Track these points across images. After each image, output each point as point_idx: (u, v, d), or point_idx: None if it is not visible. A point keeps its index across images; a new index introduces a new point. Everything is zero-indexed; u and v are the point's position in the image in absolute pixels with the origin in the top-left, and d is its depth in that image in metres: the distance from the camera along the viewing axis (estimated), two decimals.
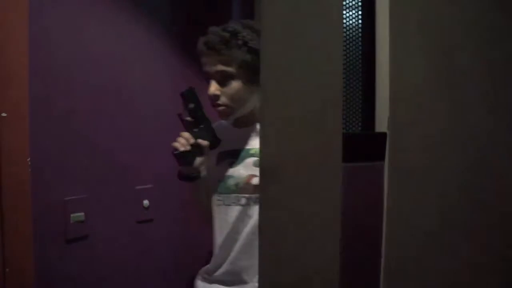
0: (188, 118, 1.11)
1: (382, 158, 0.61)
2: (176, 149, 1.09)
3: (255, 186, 1.14)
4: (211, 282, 1.20)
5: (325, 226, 0.57)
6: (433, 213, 0.66)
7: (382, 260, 0.64)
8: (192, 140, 1.09)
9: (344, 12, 0.80)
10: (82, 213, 1.22)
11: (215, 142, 1.14)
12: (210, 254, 1.22)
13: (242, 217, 1.15)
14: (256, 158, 1.15)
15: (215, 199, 1.19)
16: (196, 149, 1.09)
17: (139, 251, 1.39)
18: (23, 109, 1.08)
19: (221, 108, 1.12)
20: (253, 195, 1.14)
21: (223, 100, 1.11)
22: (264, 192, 0.54)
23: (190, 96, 1.10)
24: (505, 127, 0.72)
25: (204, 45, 1.10)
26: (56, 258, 1.17)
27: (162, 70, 1.46)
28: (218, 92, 1.10)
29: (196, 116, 1.11)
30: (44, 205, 1.14)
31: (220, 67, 1.09)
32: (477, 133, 0.71)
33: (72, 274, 1.21)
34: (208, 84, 1.12)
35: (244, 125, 1.19)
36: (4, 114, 1.03)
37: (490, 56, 0.74)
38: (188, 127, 1.11)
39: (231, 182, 1.16)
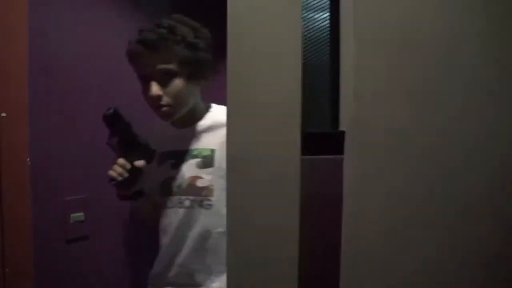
0: (115, 145, 1.02)
1: (341, 153, 0.67)
2: (113, 178, 1.00)
3: (201, 188, 1.10)
4: (162, 286, 1.16)
5: (285, 216, 0.63)
6: (391, 208, 0.71)
7: (342, 250, 0.67)
8: (128, 166, 1.00)
9: (315, 14, 0.86)
10: (82, 213, 1.22)
11: (151, 156, 1.06)
12: None
13: (187, 221, 1.10)
14: (199, 159, 1.10)
15: (157, 201, 1.14)
16: (134, 172, 1.01)
17: (139, 251, 1.39)
18: (23, 109, 1.08)
19: (164, 109, 1.06)
20: (198, 197, 1.10)
21: (166, 100, 1.05)
22: (230, 181, 0.60)
23: (116, 118, 0.99)
24: (470, 126, 0.77)
25: (140, 44, 1.02)
26: (56, 258, 1.17)
27: None
28: (160, 93, 1.04)
29: (127, 137, 1.02)
30: (44, 205, 1.14)
31: (161, 66, 1.03)
32: (442, 133, 0.76)
33: (72, 274, 1.21)
34: (143, 86, 1.06)
35: (184, 125, 1.14)
36: (4, 114, 1.03)
37: (456, 57, 0.78)
38: (120, 151, 1.02)
39: (172, 184, 1.12)
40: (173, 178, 1.12)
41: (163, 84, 1.04)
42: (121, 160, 1.01)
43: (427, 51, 0.77)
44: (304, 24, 0.79)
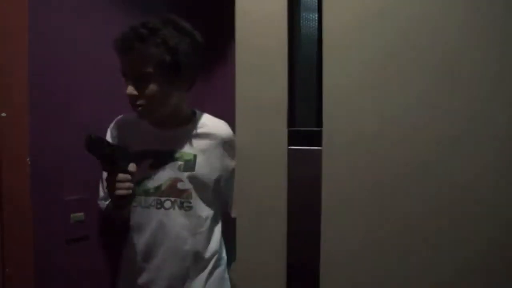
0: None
1: (320, 145, 0.91)
2: (124, 196, 0.99)
3: (181, 190, 1.10)
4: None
5: (275, 192, 0.86)
6: (360, 186, 0.96)
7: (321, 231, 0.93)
8: (129, 177, 1.00)
9: (306, 14, 0.97)
10: (82, 213, 1.22)
11: (131, 157, 1.05)
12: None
13: (166, 222, 1.09)
14: (181, 163, 1.10)
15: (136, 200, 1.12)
16: (132, 177, 1.02)
17: None
18: (23, 109, 1.08)
19: (139, 108, 1.05)
20: (179, 199, 1.09)
21: (140, 101, 1.03)
22: (238, 166, 0.81)
23: (97, 143, 0.98)
24: (441, 124, 0.96)
25: (119, 41, 1.01)
26: (56, 258, 1.17)
27: None
28: (135, 93, 1.02)
29: (115, 157, 1.00)
30: (44, 205, 1.14)
31: (136, 67, 1.01)
32: (415, 129, 0.97)
33: (72, 274, 1.21)
34: (124, 82, 1.05)
35: (165, 126, 1.13)
36: (4, 114, 1.04)
37: (430, 58, 0.98)
38: (113, 171, 1.00)
39: (150, 184, 1.10)
40: (150, 178, 1.10)
41: (139, 85, 1.02)
42: (121, 176, 0.98)
43: (403, 55, 0.98)
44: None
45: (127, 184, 0.98)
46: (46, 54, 1.14)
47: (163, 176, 1.10)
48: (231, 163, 1.15)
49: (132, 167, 1.00)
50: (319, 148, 0.99)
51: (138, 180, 1.09)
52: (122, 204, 1.02)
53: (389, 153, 1.01)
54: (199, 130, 1.14)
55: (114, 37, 1.32)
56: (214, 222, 1.18)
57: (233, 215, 1.18)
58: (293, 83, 1.00)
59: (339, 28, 0.95)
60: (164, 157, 1.11)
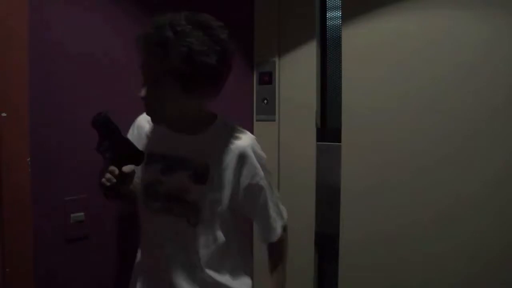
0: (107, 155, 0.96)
1: (339, 141, 1.41)
2: (101, 184, 0.94)
3: (189, 203, 1.00)
4: None
5: (306, 176, 1.45)
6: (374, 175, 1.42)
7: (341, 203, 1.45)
8: (116, 171, 0.92)
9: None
10: (82, 213, 1.22)
11: (140, 159, 0.99)
12: None
13: (174, 230, 1.02)
14: (191, 172, 1.00)
15: (140, 203, 1.07)
16: (123, 177, 0.94)
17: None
18: (23, 109, 1.08)
19: (150, 112, 0.99)
20: (185, 211, 1.00)
21: (152, 104, 0.96)
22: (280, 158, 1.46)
23: (105, 123, 0.95)
24: (449, 129, 1.28)
25: (141, 40, 0.92)
26: (56, 258, 1.17)
27: None
28: (144, 95, 0.95)
29: (116, 142, 0.96)
30: (44, 205, 1.14)
31: (152, 70, 0.93)
32: (427, 125, 1.32)
33: (72, 274, 1.21)
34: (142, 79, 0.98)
35: (181, 130, 1.03)
36: (4, 114, 1.03)
37: (443, 65, 1.28)
38: (110, 157, 0.96)
39: (160, 188, 1.02)
40: (160, 182, 1.02)
41: (152, 86, 0.94)
42: (111, 167, 0.93)
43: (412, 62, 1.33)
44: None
45: (108, 176, 0.92)
46: (46, 54, 1.14)
47: (173, 183, 1.01)
48: (246, 180, 1.01)
49: (127, 168, 0.93)
50: (339, 144, 1.47)
51: (149, 182, 1.04)
52: (106, 193, 0.95)
53: (400, 148, 1.36)
54: (217, 138, 1.02)
55: (114, 37, 1.32)
56: (225, 246, 1.04)
57: (267, 240, 1.11)
58: (323, 93, 1.59)
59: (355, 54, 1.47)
60: (176, 163, 1.02)
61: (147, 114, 1.00)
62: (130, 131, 1.13)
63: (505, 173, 1.17)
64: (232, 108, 1.57)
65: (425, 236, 1.30)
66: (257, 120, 1.74)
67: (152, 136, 1.08)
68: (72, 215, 1.20)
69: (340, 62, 1.48)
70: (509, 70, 1.16)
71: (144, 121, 1.10)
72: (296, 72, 1.63)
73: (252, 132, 1.86)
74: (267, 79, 1.69)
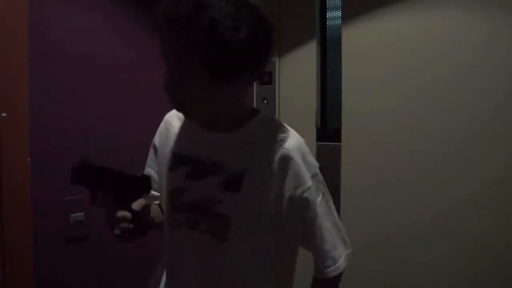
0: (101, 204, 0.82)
1: (339, 141, 1.49)
2: (119, 236, 0.78)
3: (218, 215, 0.80)
4: None
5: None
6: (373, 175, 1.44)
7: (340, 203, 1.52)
8: (129, 215, 0.77)
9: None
10: (82, 213, 1.22)
11: (146, 186, 0.82)
12: None
13: (197, 248, 0.83)
14: (223, 178, 0.81)
15: (165, 214, 0.90)
16: (138, 217, 0.79)
17: (140, 251, 1.39)
18: (23, 109, 1.08)
19: (172, 100, 0.80)
20: (213, 225, 0.81)
21: (176, 95, 0.79)
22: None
23: (87, 172, 0.81)
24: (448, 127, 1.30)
25: (160, 15, 0.74)
26: (56, 258, 1.17)
27: (157, 73, 1.45)
28: (167, 83, 0.78)
29: (109, 187, 0.80)
30: (44, 205, 1.13)
31: (170, 53, 0.76)
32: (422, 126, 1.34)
33: (72, 274, 1.21)
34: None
35: (216, 127, 0.85)
36: (4, 114, 1.03)
37: (442, 66, 1.29)
38: (111, 202, 0.80)
39: (184, 198, 0.84)
40: (185, 189, 0.85)
41: (176, 73, 0.77)
42: (120, 213, 0.78)
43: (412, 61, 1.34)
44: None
45: (123, 225, 0.77)
46: (46, 54, 1.14)
47: (201, 191, 0.83)
48: (289, 190, 0.80)
49: (136, 205, 0.79)
50: (339, 143, 1.50)
51: (173, 189, 0.87)
52: (122, 241, 0.81)
53: (400, 148, 1.37)
54: (255, 137, 0.83)
55: (115, 37, 1.32)
56: (263, 274, 0.83)
57: (325, 275, 0.83)
58: (323, 93, 1.61)
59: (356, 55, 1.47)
60: (204, 167, 0.83)
61: (176, 109, 0.84)
62: (160, 127, 0.96)
63: (505, 173, 1.17)
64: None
65: (425, 236, 1.30)
66: None
67: (181, 134, 0.90)
68: (72, 215, 1.20)
69: (340, 62, 1.48)
70: (509, 70, 1.16)
71: (174, 117, 0.93)
72: (296, 72, 1.63)
73: None
74: (267, 79, 1.69)
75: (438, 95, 1.28)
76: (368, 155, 1.42)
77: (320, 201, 0.82)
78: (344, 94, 1.47)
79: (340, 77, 1.49)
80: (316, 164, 0.84)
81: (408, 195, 1.33)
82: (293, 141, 0.82)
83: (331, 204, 0.86)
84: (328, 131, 1.59)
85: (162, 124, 0.96)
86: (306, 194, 0.80)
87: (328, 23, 1.62)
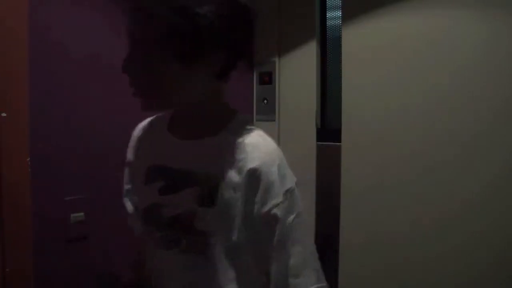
0: None
1: (339, 141, 1.45)
2: None
3: (197, 231, 0.72)
4: None
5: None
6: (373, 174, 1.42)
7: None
8: None
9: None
10: (82, 213, 1.22)
11: None
12: None
13: (180, 265, 0.76)
14: (199, 191, 0.72)
15: (144, 231, 0.83)
16: None
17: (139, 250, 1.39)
18: (23, 109, 1.08)
19: (137, 97, 0.72)
20: (193, 242, 0.73)
21: (139, 86, 0.71)
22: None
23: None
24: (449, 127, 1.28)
25: None
26: (56, 258, 1.17)
27: None
28: (129, 72, 0.70)
29: None
30: (44, 205, 1.13)
31: (135, 32, 0.68)
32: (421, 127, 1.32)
33: (72, 274, 1.21)
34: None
35: (190, 134, 0.76)
36: (4, 114, 1.03)
37: (446, 64, 1.28)
38: None
39: (161, 213, 0.76)
40: (161, 205, 0.76)
41: (138, 60, 0.69)
42: None
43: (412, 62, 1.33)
44: None
45: None
46: (46, 54, 1.14)
47: (178, 206, 0.74)
48: (257, 206, 0.71)
49: None
50: (339, 144, 1.50)
51: (147, 206, 0.79)
52: None
53: (400, 149, 1.37)
54: (228, 145, 0.74)
55: (115, 37, 1.31)
56: None
57: None
58: (323, 93, 1.61)
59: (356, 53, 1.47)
60: (180, 179, 0.75)
61: (137, 95, 0.73)
62: (131, 141, 0.91)
63: (507, 173, 1.17)
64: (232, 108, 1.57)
65: (426, 236, 1.30)
66: (257, 120, 1.74)
67: (154, 146, 0.82)
68: (72, 215, 1.20)
69: (340, 62, 1.48)
70: None
71: (144, 129, 0.89)
72: (296, 72, 1.63)
73: None
74: (267, 79, 1.69)
75: (439, 95, 1.27)
76: (369, 155, 1.41)
77: (292, 221, 0.71)
78: (344, 94, 1.47)
79: (340, 77, 1.49)
80: (293, 178, 0.74)
81: (408, 195, 1.33)
82: (268, 152, 0.73)
83: (305, 227, 0.76)
84: (328, 131, 1.59)
85: (133, 139, 0.90)
86: (275, 211, 0.70)
87: (328, 23, 1.62)
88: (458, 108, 1.24)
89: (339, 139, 1.49)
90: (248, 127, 0.77)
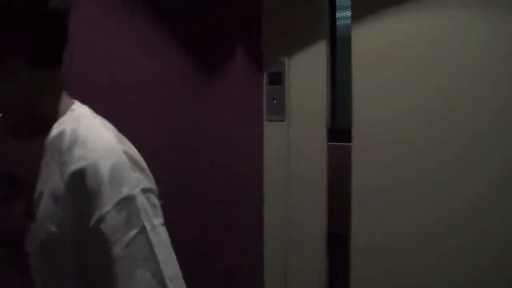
0: None
1: (350, 141, 1.44)
2: None
3: (26, 255, 0.60)
4: None
5: (316, 173, 1.40)
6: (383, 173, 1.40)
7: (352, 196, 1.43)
8: None
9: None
10: None
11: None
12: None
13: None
14: (23, 203, 0.62)
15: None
16: None
17: None
18: None
19: None
20: (28, 267, 0.60)
21: None
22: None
23: None
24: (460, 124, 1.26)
25: None
26: None
27: (168, 73, 1.46)
28: None
29: None
30: None
31: None
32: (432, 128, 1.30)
33: None
34: None
35: (24, 134, 0.65)
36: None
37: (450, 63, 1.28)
38: None
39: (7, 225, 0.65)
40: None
41: None
42: None
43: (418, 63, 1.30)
44: None
45: None
46: None
47: (6, 220, 0.65)
48: (77, 219, 0.56)
49: None
50: (350, 144, 1.49)
51: None
52: None
53: (411, 149, 1.35)
54: (55, 145, 0.60)
55: (115, 37, 1.33)
56: None
57: None
58: (333, 93, 1.61)
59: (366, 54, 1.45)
60: (11, 187, 0.65)
61: None
62: None
63: None
64: (242, 108, 1.58)
65: (438, 236, 1.29)
66: (267, 120, 1.74)
67: None
68: None
69: (350, 62, 1.48)
70: None
71: None
72: (306, 72, 1.62)
73: (261, 133, 1.85)
74: (277, 79, 1.69)
75: (450, 95, 1.26)
76: (379, 155, 1.41)
77: (130, 238, 0.54)
78: (354, 94, 1.47)
79: (350, 77, 1.49)
80: (135, 184, 0.57)
81: (418, 195, 1.32)
82: (98, 148, 0.57)
83: (159, 245, 0.56)
84: (338, 131, 1.59)
85: None
86: (101, 226, 0.54)
87: (338, 23, 1.61)
88: (471, 109, 1.23)
89: (349, 139, 1.49)
90: (79, 120, 0.62)
